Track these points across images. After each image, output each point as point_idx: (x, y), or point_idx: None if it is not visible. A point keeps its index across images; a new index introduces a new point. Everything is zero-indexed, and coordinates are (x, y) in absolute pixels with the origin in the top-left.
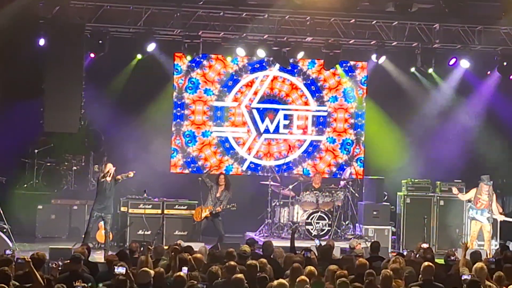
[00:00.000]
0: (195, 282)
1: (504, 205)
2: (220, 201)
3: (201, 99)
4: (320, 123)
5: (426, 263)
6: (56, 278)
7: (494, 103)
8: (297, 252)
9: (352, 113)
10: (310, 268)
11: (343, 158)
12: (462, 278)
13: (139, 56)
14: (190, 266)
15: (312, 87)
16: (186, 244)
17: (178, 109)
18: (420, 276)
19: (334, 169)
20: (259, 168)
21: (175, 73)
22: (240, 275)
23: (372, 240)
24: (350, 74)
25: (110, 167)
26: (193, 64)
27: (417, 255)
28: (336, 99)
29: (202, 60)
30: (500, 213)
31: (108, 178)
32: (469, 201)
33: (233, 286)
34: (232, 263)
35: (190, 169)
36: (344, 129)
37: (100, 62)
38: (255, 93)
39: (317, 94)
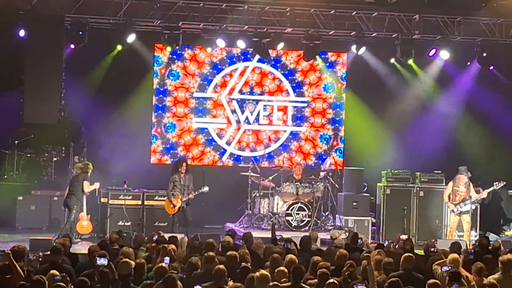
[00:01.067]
0: (175, 272)
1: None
2: (186, 186)
3: (183, 86)
4: (298, 118)
5: (406, 254)
6: (36, 269)
7: (474, 94)
8: (278, 243)
9: (331, 103)
10: (290, 256)
11: (323, 148)
12: (442, 270)
13: (119, 47)
14: (171, 257)
15: (293, 79)
16: (168, 235)
17: (161, 96)
18: (400, 266)
19: (313, 159)
20: (241, 158)
21: (155, 64)
22: (221, 266)
23: (352, 231)
24: (330, 69)
25: (96, 186)
26: (174, 56)
27: (397, 246)
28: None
29: (183, 52)
30: (479, 193)
31: (86, 189)
32: (448, 197)
33: (214, 277)
34: (211, 253)
35: (169, 156)
36: (321, 124)
37: (80, 53)
38: (235, 85)
39: (297, 90)
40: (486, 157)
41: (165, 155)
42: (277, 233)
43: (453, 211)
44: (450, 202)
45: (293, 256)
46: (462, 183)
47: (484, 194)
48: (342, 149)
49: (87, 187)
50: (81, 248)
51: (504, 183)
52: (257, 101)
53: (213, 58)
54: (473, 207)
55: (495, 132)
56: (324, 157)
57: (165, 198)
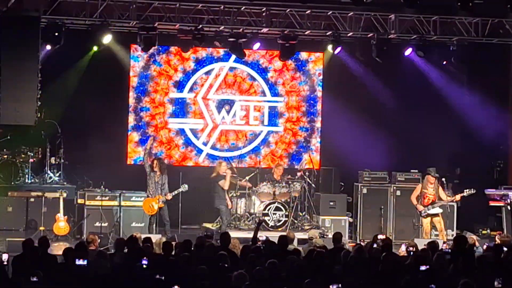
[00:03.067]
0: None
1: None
2: (161, 184)
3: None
4: (273, 115)
5: (384, 253)
6: None
7: (448, 93)
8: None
9: (305, 96)
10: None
11: (298, 147)
12: (420, 269)
13: (95, 48)
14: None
15: (267, 79)
16: (143, 236)
17: (138, 94)
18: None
19: (289, 159)
20: (218, 158)
21: (133, 63)
22: (202, 267)
23: (332, 231)
24: (303, 68)
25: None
26: (151, 59)
27: (374, 246)
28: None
29: (158, 55)
30: (450, 197)
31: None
32: (417, 199)
33: (194, 277)
34: (187, 253)
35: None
36: (297, 117)
37: (56, 54)
38: (211, 85)
39: (273, 90)
40: (460, 157)
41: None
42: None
43: (421, 213)
44: (418, 204)
45: None
46: (431, 184)
47: (457, 197)
48: (318, 148)
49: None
50: (58, 249)
51: (474, 191)
52: (233, 101)
53: (189, 60)
54: (442, 210)
55: (470, 131)
56: (301, 156)
57: (142, 199)
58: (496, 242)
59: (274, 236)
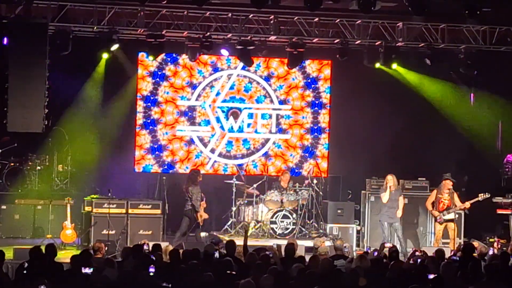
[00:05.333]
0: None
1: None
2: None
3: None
4: (281, 122)
5: (392, 262)
6: None
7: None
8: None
9: (310, 102)
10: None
11: (306, 155)
12: (428, 278)
13: (104, 56)
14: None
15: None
16: (151, 243)
17: (148, 104)
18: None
19: (296, 167)
20: (226, 166)
21: (139, 71)
22: (209, 274)
23: (336, 239)
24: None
25: None
26: (159, 70)
27: (381, 254)
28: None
29: (166, 64)
30: (463, 204)
31: None
32: (432, 205)
33: (202, 286)
34: (196, 262)
35: (153, 157)
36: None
37: (64, 62)
38: (219, 92)
39: (281, 98)
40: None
41: (149, 154)
42: (263, 240)
43: (436, 219)
44: (434, 210)
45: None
46: (446, 190)
47: (467, 204)
48: (326, 149)
49: None
50: (65, 257)
51: (489, 195)
52: (241, 109)
53: (197, 66)
54: (456, 215)
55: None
56: (309, 163)
57: (149, 206)
58: (496, 250)
59: (282, 244)
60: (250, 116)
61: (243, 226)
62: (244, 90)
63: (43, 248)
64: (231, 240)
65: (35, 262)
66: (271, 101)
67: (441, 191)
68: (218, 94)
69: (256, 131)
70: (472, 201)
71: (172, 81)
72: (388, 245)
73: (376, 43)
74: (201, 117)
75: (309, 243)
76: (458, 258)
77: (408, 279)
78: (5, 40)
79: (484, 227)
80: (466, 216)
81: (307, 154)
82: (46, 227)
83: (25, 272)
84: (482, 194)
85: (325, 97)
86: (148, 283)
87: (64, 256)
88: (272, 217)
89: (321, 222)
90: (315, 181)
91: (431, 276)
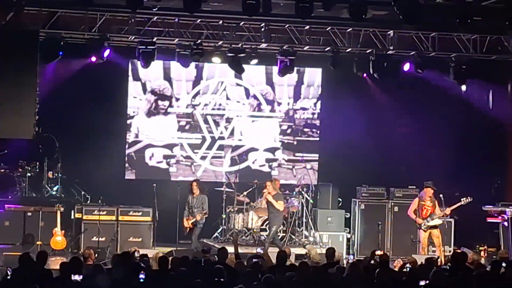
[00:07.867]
0: None
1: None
2: (196, 207)
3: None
4: (271, 128)
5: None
6: None
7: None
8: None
9: (299, 109)
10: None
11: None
12: (419, 285)
13: (93, 62)
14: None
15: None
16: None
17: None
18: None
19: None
20: (216, 174)
21: (131, 78)
22: (198, 281)
23: (327, 247)
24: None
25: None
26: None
27: (372, 262)
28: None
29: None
30: (444, 211)
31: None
32: (414, 213)
33: None
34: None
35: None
36: (293, 130)
37: (54, 68)
38: (209, 100)
39: (271, 106)
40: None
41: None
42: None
43: (420, 226)
44: (417, 218)
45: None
46: (428, 198)
47: (447, 211)
48: (316, 164)
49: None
50: (55, 264)
51: (471, 199)
52: (231, 117)
53: (187, 73)
54: (441, 221)
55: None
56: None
57: (139, 214)
58: (483, 258)
59: (272, 252)
60: (240, 123)
61: (232, 234)
62: (233, 97)
63: (33, 255)
64: (222, 247)
65: (25, 269)
66: (262, 109)
67: (423, 199)
68: (208, 101)
69: (246, 138)
70: (454, 206)
71: (163, 88)
72: (378, 252)
73: (367, 51)
74: (191, 124)
75: (299, 251)
76: (448, 267)
77: (399, 286)
78: None
79: (474, 236)
80: (455, 225)
81: (298, 161)
82: (36, 234)
83: (8, 278)
84: (464, 199)
85: (316, 105)
86: None
87: (54, 263)
88: (262, 224)
89: (311, 230)
90: (305, 189)
91: (422, 283)
